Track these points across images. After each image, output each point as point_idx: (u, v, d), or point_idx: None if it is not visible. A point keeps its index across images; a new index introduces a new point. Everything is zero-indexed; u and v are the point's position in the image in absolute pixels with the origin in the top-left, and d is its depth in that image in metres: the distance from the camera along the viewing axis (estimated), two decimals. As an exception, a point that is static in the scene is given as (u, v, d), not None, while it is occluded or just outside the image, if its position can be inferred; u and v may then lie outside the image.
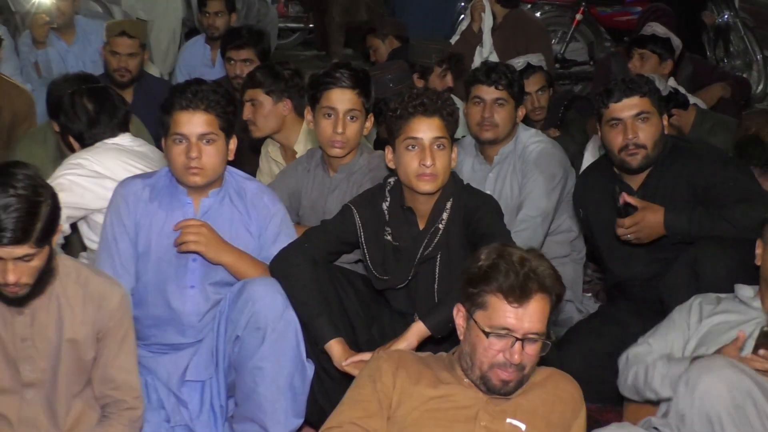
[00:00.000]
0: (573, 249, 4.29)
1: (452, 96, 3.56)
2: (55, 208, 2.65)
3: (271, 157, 4.30)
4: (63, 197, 2.76)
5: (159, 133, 3.26)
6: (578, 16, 7.80)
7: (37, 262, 2.63)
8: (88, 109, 3.75)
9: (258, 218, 3.25)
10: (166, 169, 3.25)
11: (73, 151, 3.80)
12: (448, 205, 3.17)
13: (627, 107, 3.47)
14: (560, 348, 3.42)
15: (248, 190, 3.27)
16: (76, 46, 6.03)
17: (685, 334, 2.98)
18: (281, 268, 3.16)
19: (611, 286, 3.88)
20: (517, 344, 2.46)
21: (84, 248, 3.73)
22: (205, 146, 3.08)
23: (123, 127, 3.80)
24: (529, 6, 7.85)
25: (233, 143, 3.19)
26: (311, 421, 3.21)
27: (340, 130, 3.51)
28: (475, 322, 2.51)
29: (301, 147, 4.14)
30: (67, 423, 2.84)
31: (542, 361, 2.56)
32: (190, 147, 3.07)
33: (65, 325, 2.77)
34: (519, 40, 6.19)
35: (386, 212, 3.24)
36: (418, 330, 2.98)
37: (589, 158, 4.60)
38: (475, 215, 3.13)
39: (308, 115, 3.66)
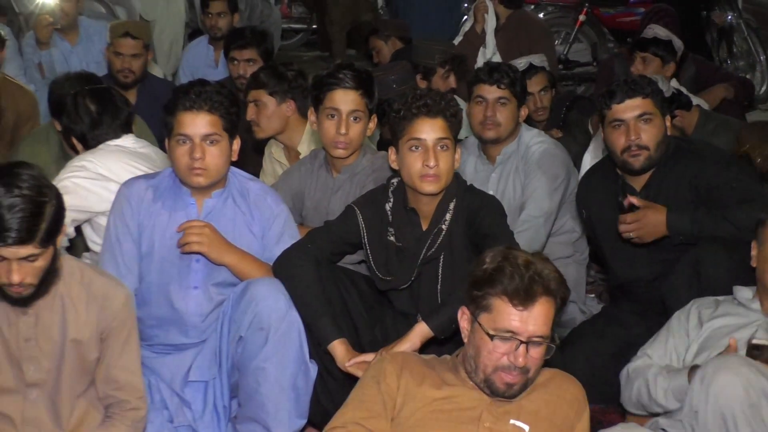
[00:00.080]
0: (576, 250, 4.29)
1: (455, 97, 3.56)
2: (60, 209, 2.65)
3: (275, 158, 4.29)
4: (67, 200, 2.75)
5: (162, 134, 3.26)
6: (581, 17, 7.79)
7: (41, 263, 2.63)
8: (90, 111, 3.74)
9: (261, 219, 3.25)
10: (169, 170, 3.25)
11: (76, 152, 3.79)
12: (451, 205, 3.16)
13: (629, 108, 3.46)
14: (563, 349, 3.42)
15: (251, 190, 3.27)
16: (79, 47, 6.03)
17: (684, 340, 2.98)
18: (284, 268, 3.16)
19: (614, 288, 3.87)
20: (522, 347, 2.46)
21: (87, 249, 3.73)
22: (208, 147, 3.08)
23: (126, 129, 3.79)
24: (532, 7, 7.86)
25: (237, 144, 3.19)
26: (314, 421, 3.21)
27: (343, 130, 3.51)
28: (480, 324, 2.50)
29: (304, 148, 4.13)
30: (70, 423, 2.84)
31: (546, 362, 2.56)
32: (194, 148, 3.07)
33: (69, 326, 2.77)
34: (522, 40, 6.19)
35: (389, 213, 3.24)
36: (421, 331, 2.98)
37: (588, 159, 4.59)
38: (478, 216, 3.13)
39: (311, 116, 3.65)
